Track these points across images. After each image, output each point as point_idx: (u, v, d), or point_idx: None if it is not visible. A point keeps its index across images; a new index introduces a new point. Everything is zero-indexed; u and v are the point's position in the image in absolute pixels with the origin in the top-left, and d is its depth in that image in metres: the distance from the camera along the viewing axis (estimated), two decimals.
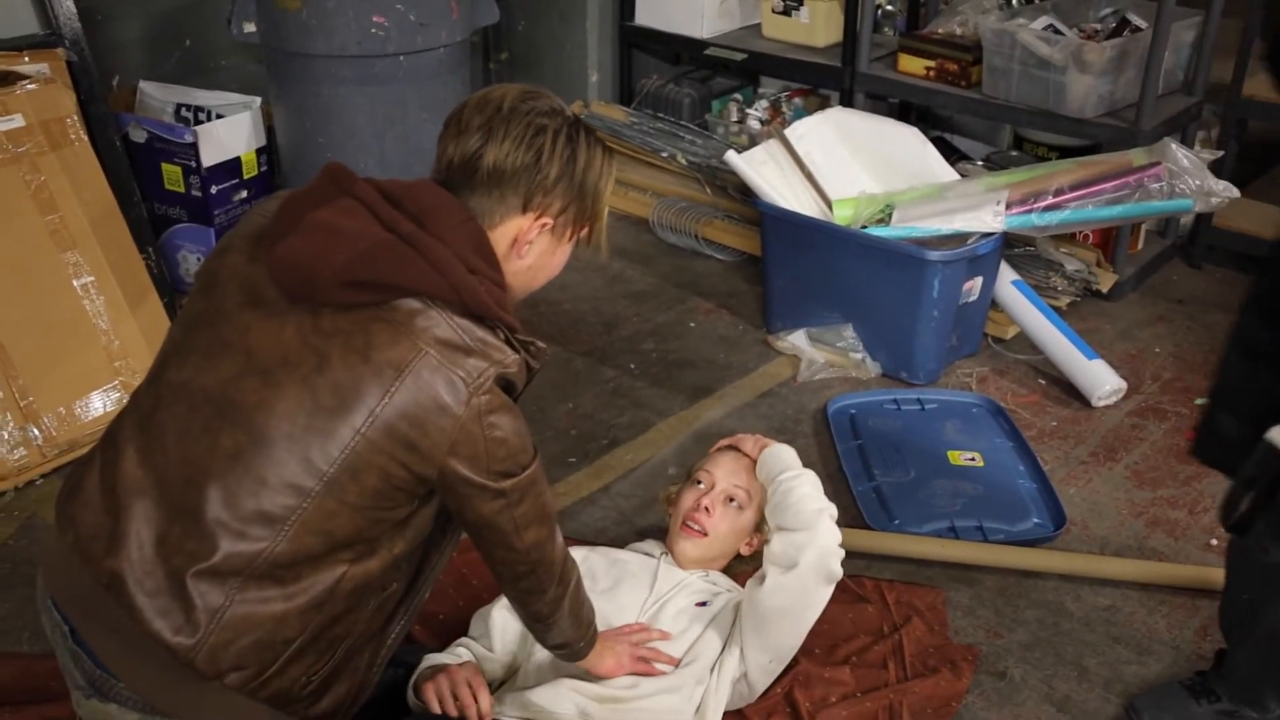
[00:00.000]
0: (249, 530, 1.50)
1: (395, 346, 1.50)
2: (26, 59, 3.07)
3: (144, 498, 1.53)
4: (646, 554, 2.26)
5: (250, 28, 3.32)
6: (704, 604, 2.14)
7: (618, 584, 2.16)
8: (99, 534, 1.53)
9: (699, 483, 2.25)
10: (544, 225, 1.65)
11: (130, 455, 1.55)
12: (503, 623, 2.07)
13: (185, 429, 1.53)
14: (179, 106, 3.55)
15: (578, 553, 2.12)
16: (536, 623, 1.83)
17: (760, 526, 2.23)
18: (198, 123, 3.50)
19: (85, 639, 1.58)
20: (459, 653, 2.05)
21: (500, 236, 1.64)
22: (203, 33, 3.92)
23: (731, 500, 2.23)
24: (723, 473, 2.23)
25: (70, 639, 1.60)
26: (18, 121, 2.93)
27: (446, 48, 3.38)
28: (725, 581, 2.25)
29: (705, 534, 2.20)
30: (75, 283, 2.94)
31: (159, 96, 3.58)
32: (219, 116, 3.48)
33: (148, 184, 3.38)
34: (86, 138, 3.05)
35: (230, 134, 3.42)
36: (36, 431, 2.80)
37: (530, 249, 1.67)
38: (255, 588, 1.51)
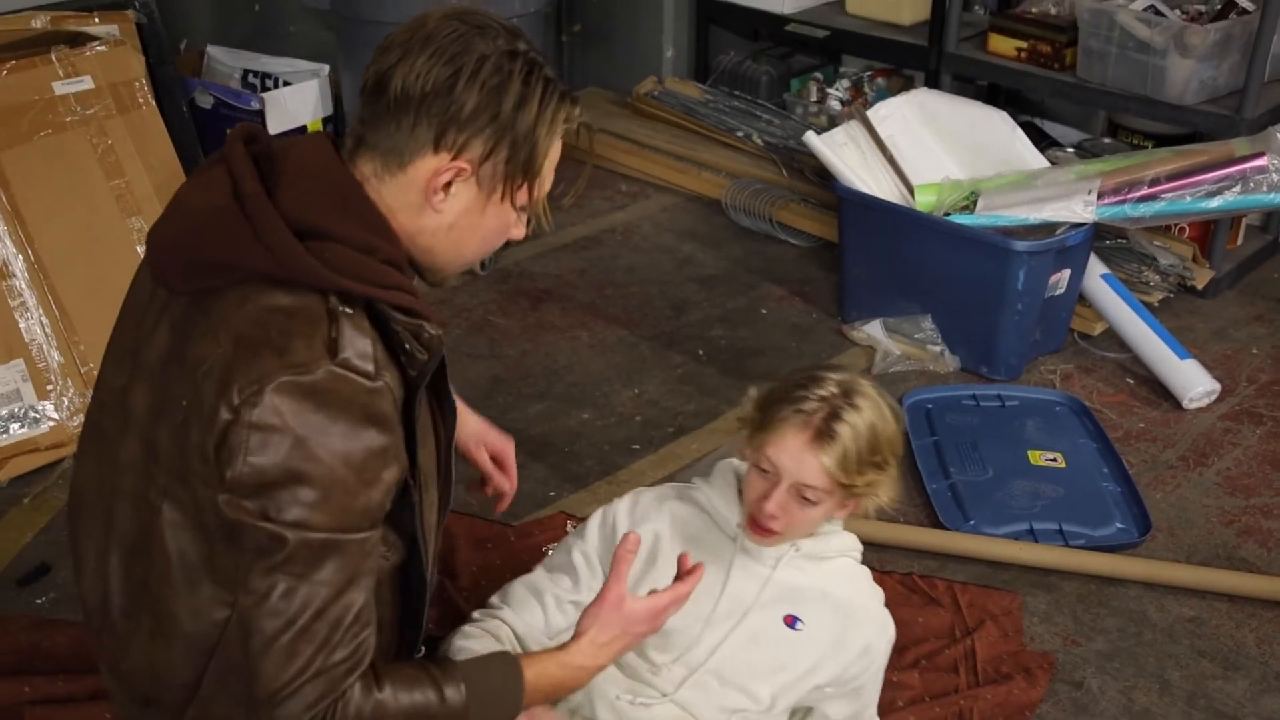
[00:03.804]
0: (140, 554, 1.40)
1: (201, 341, 1.31)
2: (97, 20, 3.07)
3: (83, 506, 1.50)
4: (722, 528, 1.87)
5: None
6: (795, 621, 1.83)
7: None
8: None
9: (765, 470, 1.77)
10: (460, 171, 1.36)
11: (82, 459, 1.53)
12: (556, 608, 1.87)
13: (106, 436, 1.45)
14: (246, 72, 3.54)
15: (625, 500, 1.90)
16: None
17: (854, 491, 1.76)
18: (265, 89, 3.49)
19: None
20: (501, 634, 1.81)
21: (410, 181, 1.37)
22: None
23: (801, 496, 1.76)
24: (790, 461, 1.72)
25: None
26: (87, 83, 2.93)
27: (520, 18, 3.35)
28: (818, 547, 1.86)
29: (778, 533, 1.78)
30: (139, 248, 2.92)
31: (226, 62, 3.58)
32: (286, 84, 3.48)
33: (213, 149, 3.35)
34: (154, 102, 3.04)
35: (297, 101, 3.39)
36: None
37: (448, 202, 1.38)
38: (148, 617, 1.42)
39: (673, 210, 4.04)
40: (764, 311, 3.49)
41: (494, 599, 1.85)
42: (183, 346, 1.33)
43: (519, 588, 1.85)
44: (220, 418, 1.25)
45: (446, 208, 1.39)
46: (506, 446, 1.95)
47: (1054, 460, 2.81)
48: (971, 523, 2.61)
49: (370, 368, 1.30)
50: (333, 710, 1.31)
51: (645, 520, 1.86)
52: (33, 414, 2.73)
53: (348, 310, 1.31)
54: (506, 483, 1.95)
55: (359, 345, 1.30)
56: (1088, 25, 3.49)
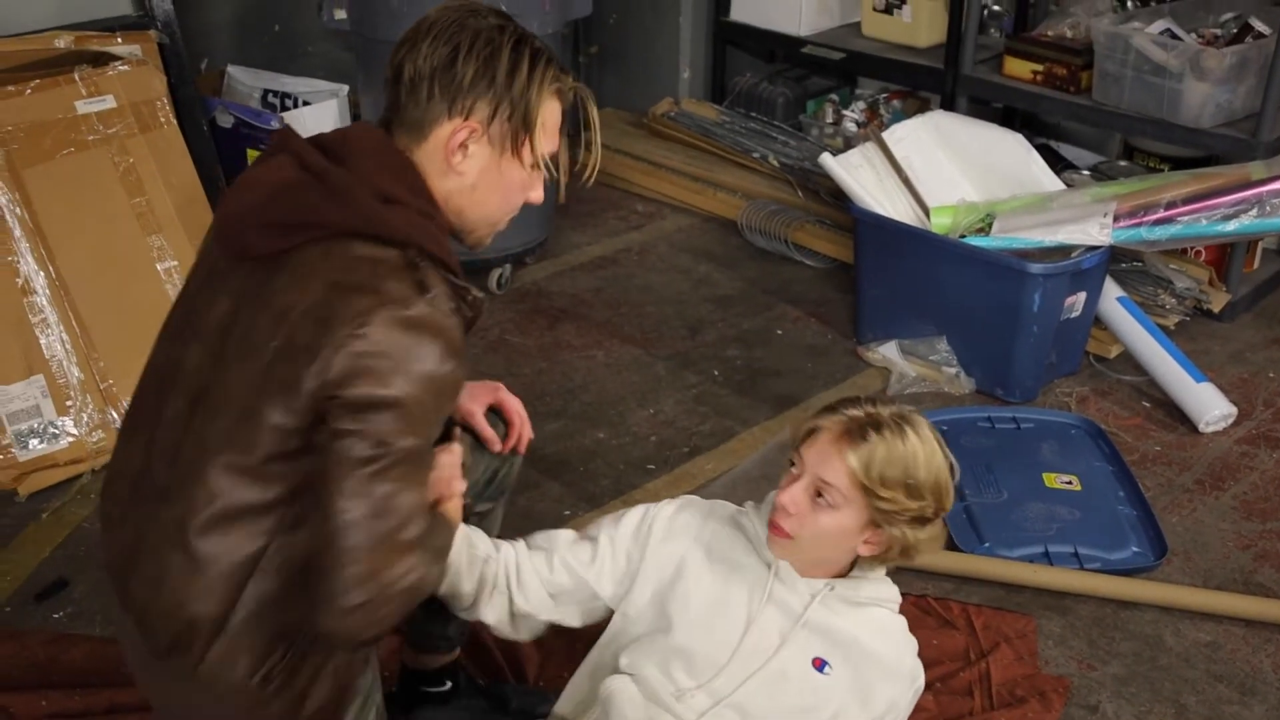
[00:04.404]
0: (183, 491, 1.50)
1: (289, 291, 1.45)
2: (119, 40, 3.09)
3: (122, 479, 1.60)
4: (761, 555, 1.82)
5: (341, 15, 3.34)
6: (823, 665, 1.77)
7: (714, 605, 1.81)
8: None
9: (793, 464, 1.75)
10: (472, 130, 1.55)
11: (123, 439, 1.64)
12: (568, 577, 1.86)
13: (148, 408, 1.58)
14: (266, 92, 3.56)
15: (669, 507, 1.89)
16: None
17: (877, 523, 1.72)
18: (284, 109, 3.51)
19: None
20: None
21: (433, 150, 1.56)
22: (292, 18, 3.95)
23: (820, 495, 1.70)
24: (815, 455, 1.71)
25: None
26: (109, 103, 2.95)
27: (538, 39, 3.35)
28: (853, 590, 1.80)
29: (790, 535, 1.73)
30: (159, 266, 2.94)
31: (247, 81, 3.60)
32: (306, 103, 3.50)
33: (233, 169, 3.40)
34: (175, 121, 3.06)
35: (317, 121, 3.41)
36: (115, 415, 2.80)
37: (467, 162, 1.57)
38: (181, 553, 1.50)
39: (689, 230, 4.05)
40: (779, 332, 3.49)
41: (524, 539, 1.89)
42: (259, 301, 1.46)
43: (541, 536, 1.88)
44: (324, 352, 1.39)
45: (467, 168, 1.57)
46: (498, 395, 1.97)
47: (1069, 483, 2.80)
48: (986, 545, 2.60)
49: (451, 306, 1.50)
50: (398, 600, 1.44)
51: (679, 536, 1.84)
52: (52, 430, 2.75)
53: (423, 262, 1.48)
54: (516, 434, 1.99)
55: (441, 289, 1.49)
56: (1104, 49, 3.50)
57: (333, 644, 1.53)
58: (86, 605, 2.43)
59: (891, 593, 1.84)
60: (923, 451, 1.68)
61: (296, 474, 1.48)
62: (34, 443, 2.73)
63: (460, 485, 1.66)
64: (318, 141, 1.56)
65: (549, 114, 1.60)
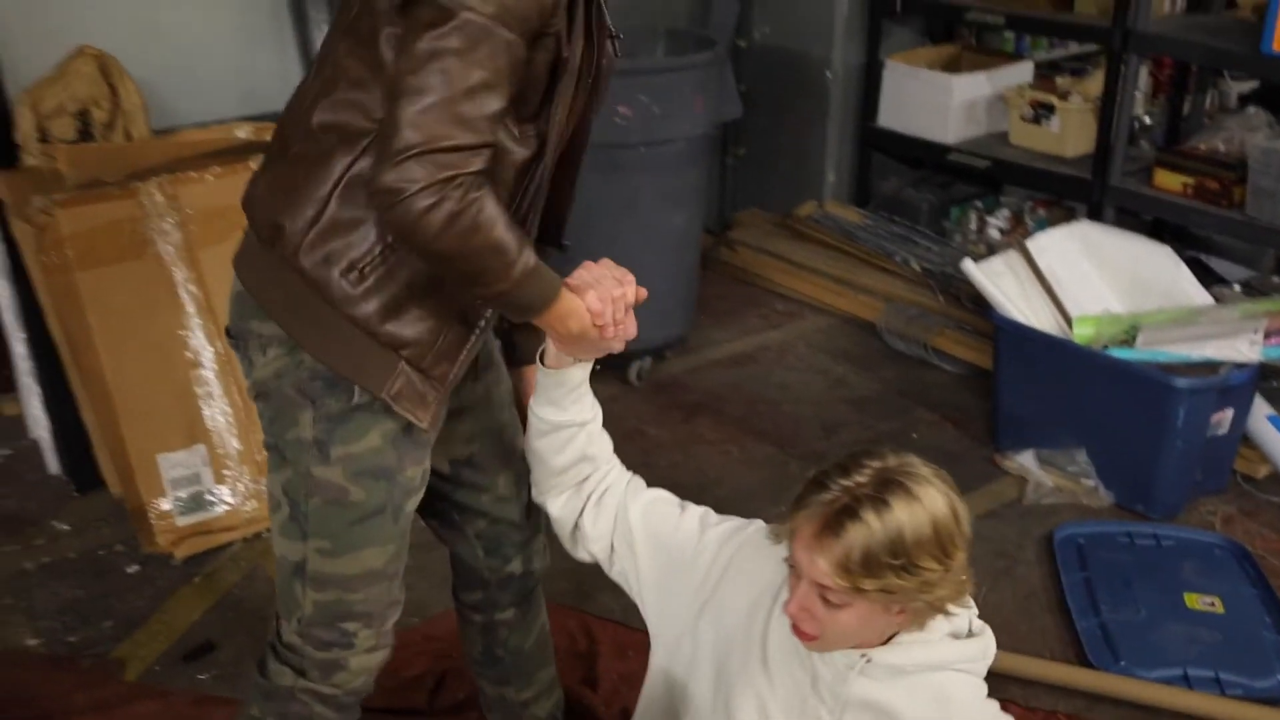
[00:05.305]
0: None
1: None
2: None
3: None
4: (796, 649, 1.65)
5: None
6: None
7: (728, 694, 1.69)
8: None
9: (792, 566, 1.59)
10: None
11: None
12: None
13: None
14: None
15: (727, 526, 1.80)
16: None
17: (877, 596, 1.52)
18: None
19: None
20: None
21: None
22: None
23: (826, 600, 1.55)
24: (802, 556, 1.54)
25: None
26: None
27: (688, 140, 3.48)
28: (894, 658, 1.63)
29: (816, 636, 1.58)
30: None
31: None
32: None
33: None
34: None
35: None
36: None
37: None
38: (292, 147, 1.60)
39: (827, 331, 4.08)
40: (915, 436, 3.49)
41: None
42: None
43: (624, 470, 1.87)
44: None
45: None
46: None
47: (1212, 605, 2.73)
48: (1122, 664, 2.55)
49: None
50: (449, 186, 1.41)
51: (732, 563, 1.75)
52: (209, 497, 2.88)
53: None
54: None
55: None
56: (1258, 164, 3.46)
57: (387, 216, 1.47)
58: (232, 669, 2.51)
59: (960, 651, 1.64)
60: (909, 519, 1.49)
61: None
62: (192, 509, 2.87)
63: (620, 317, 1.63)
64: None
65: None
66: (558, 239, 1.79)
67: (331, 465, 1.62)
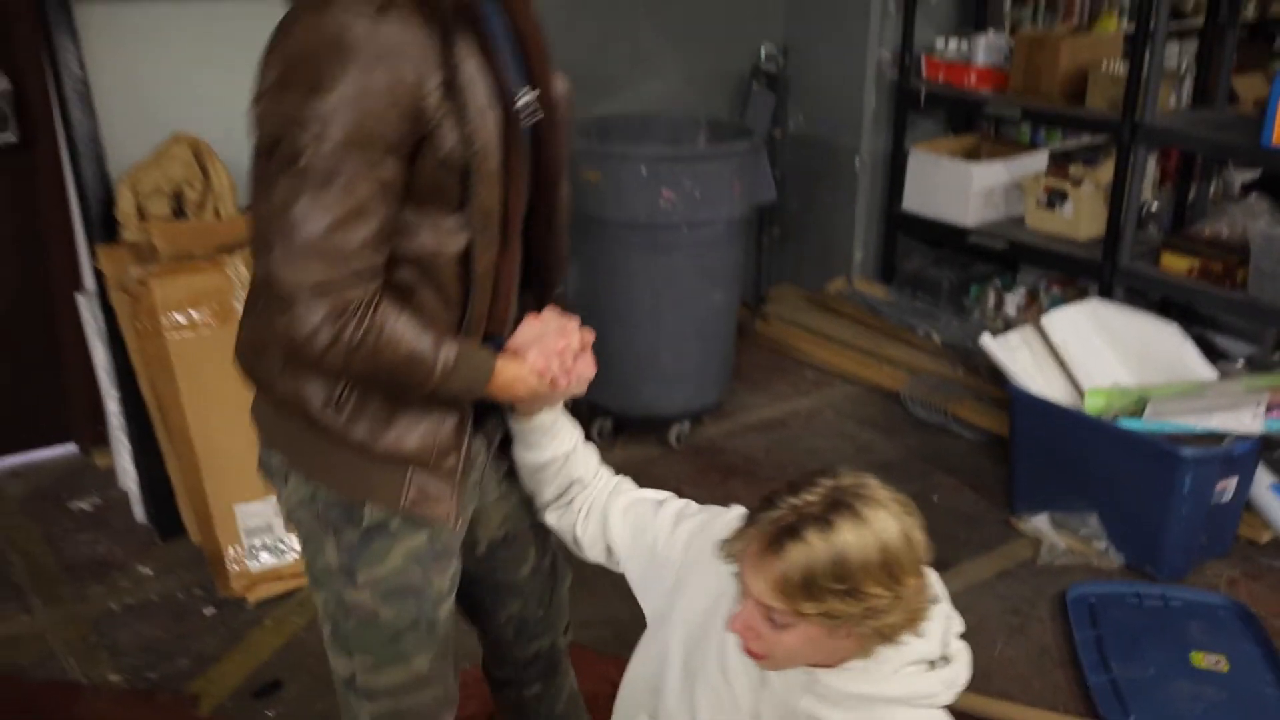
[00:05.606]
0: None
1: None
2: None
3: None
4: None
5: None
6: None
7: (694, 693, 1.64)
8: None
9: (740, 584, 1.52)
10: None
11: None
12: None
13: None
14: None
15: (699, 519, 1.76)
16: None
17: (849, 628, 1.45)
18: None
19: None
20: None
21: None
22: None
23: (770, 620, 1.47)
24: (746, 573, 1.48)
25: None
26: None
27: (726, 222, 3.61)
28: (840, 683, 1.52)
29: (764, 655, 1.52)
30: None
31: None
32: None
33: None
34: None
35: None
36: None
37: None
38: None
39: (854, 399, 4.17)
40: (935, 499, 3.56)
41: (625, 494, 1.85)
42: None
43: (619, 481, 1.86)
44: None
45: None
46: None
47: (1217, 663, 2.78)
48: (1132, 718, 2.59)
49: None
50: (340, 319, 1.39)
51: (701, 558, 1.68)
52: (280, 545, 3.03)
53: None
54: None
55: None
56: (1260, 248, 3.55)
57: (293, 359, 1.47)
58: (297, 707, 2.61)
59: (915, 686, 1.52)
60: (855, 542, 1.39)
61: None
62: (265, 556, 3.00)
63: (572, 367, 1.61)
64: None
65: None
66: (548, 287, 1.72)
67: (360, 589, 1.63)
